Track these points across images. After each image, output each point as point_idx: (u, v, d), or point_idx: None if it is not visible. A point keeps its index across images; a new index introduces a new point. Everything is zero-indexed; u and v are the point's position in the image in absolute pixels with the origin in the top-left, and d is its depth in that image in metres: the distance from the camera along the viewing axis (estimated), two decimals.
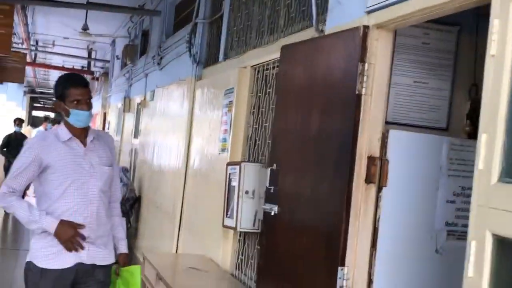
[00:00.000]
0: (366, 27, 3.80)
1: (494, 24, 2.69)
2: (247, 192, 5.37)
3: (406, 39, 4.09)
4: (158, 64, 10.46)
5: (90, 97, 3.92)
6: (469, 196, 4.20)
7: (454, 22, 4.11)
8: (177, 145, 8.43)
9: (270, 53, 5.70)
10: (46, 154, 3.82)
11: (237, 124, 6.16)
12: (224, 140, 6.47)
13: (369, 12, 3.84)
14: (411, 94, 4.09)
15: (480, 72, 4.61)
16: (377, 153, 3.81)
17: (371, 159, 3.80)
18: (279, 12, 5.71)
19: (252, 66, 6.19)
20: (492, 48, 2.70)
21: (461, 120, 4.20)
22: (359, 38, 3.81)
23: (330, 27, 4.33)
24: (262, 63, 5.97)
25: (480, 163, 2.69)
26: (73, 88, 3.83)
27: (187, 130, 7.99)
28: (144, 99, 11.47)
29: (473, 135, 4.18)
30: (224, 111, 6.57)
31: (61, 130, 3.89)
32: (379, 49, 3.81)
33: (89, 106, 3.87)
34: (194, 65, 8.13)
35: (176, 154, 8.45)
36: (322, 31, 4.52)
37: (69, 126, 3.89)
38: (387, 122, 3.93)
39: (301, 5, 5.23)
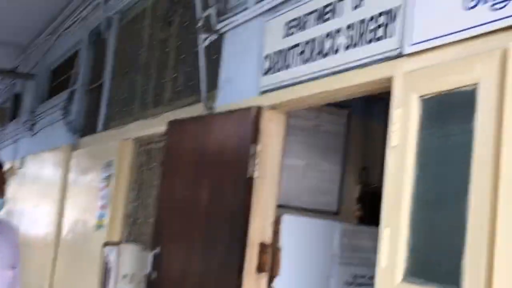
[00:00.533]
0: (259, 108, 3.67)
1: (395, 114, 2.62)
2: (125, 276, 4.97)
3: (298, 120, 4.01)
4: (30, 130, 9.86)
5: (4, 181, 3.11)
6: (361, 285, 4.12)
7: (344, 105, 4.08)
8: (48, 218, 7.83)
9: (154, 126, 5.45)
10: None
11: (117, 200, 5.78)
12: (101, 216, 6.05)
13: (262, 93, 3.73)
14: (302, 177, 3.98)
15: (370, 155, 4.66)
16: (269, 240, 3.62)
17: (263, 247, 3.60)
18: (165, 85, 5.51)
19: (134, 139, 5.90)
20: (393, 139, 2.61)
21: (352, 203, 4.14)
22: (252, 118, 3.67)
23: (221, 104, 4.18)
24: (145, 136, 5.70)
25: (382, 261, 2.57)
26: None
27: (59, 203, 7.46)
28: (13, 166, 10.73)
29: (364, 219, 4.12)
30: (102, 185, 6.17)
31: None
32: (272, 130, 3.69)
33: (2, 193, 3.07)
34: (70, 134, 7.69)
35: (46, 226, 7.84)
36: (211, 108, 4.35)
37: None
38: (278, 206, 3.77)
39: (188, 79, 5.06)
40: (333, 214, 4.03)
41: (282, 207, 3.89)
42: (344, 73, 3.03)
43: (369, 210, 4.08)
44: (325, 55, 3.18)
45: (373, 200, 4.14)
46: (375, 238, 4.00)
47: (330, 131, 4.07)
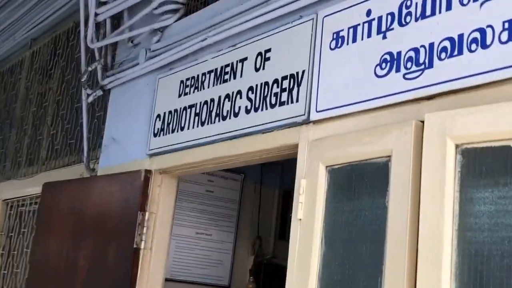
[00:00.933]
0: (148, 172, 3.38)
1: (301, 184, 2.43)
2: None
3: (189, 185, 3.75)
4: None
5: None
6: None
7: (239, 170, 3.88)
8: None
9: (28, 187, 4.99)
10: None
11: None
12: None
13: (152, 155, 3.45)
14: (192, 247, 3.70)
15: (264, 223, 4.46)
16: None
17: None
18: (41, 142, 5.08)
19: (4, 200, 5.37)
20: (299, 211, 2.42)
21: (245, 276, 3.89)
22: (140, 182, 3.37)
23: (105, 166, 3.84)
24: (17, 197, 5.20)
25: None
26: None
27: None
28: None
29: None
30: None
31: None
32: (162, 196, 3.40)
33: None
34: None
35: None
36: (93, 169, 4.00)
37: None
38: (166, 279, 3.45)
39: (68, 137, 4.68)
40: None
41: (170, 281, 3.57)
42: (244, 138, 2.83)
43: (263, 284, 3.85)
44: (224, 118, 2.97)
45: (267, 272, 3.93)
46: None
47: (223, 197, 3.84)
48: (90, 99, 4.03)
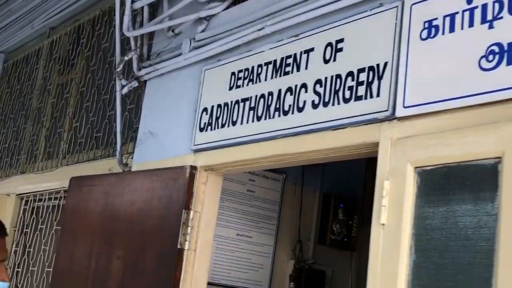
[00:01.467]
0: (193, 168, 3.17)
1: (384, 186, 2.23)
2: None
3: (230, 184, 3.54)
4: None
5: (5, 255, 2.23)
6: None
7: (280, 170, 3.67)
8: None
9: (46, 181, 4.76)
10: None
11: None
12: None
13: (196, 151, 3.24)
14: (233, 249, 3.49)
15: (305, 227, 4.25)
16: None
17: None
18: (62, 135, 4.84)
19: (18, 195, 5.13)
20: (382, 215, 2.22)
21: (284, 281, 3.68)
22: (184, 179, 3.16)
23: (140, 161, 3.62)
24: (33, 192, 4.96)
25: None
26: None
27: None
28: None
29: None
30: None
31: None
32: (207, 194, 3.19)
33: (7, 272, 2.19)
34: None
35: None
36: (127, 164, 3.78)
37: None
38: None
39: (93, 130, 4.45)
40: None
41: (210, 285, 3.36)
42: (310, 135, 2.62)
43: None
44: (286, 112, 2.76)
45: (308, 278, 3.73)
46: None
47: (264, 198, 3.63)
48: (125, 90, 3.81)
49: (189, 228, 3.10)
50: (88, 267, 3.54)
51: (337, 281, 3.90)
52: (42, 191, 4.82)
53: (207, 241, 3.17)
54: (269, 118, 2.84)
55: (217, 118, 3.14)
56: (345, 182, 3.90)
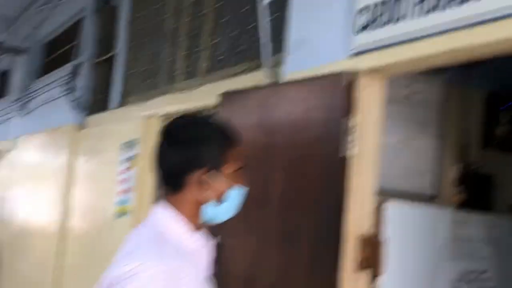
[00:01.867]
0: (353, 73, 3.02)
1: None
2: None
3: (388, 89, 3.35)
4: (22, 109, 9.07)
5: None
6: (471, 281, 3.53)
7: (440, 70, 3.44)
8: (50, 205, 7.10)
9: (188, 101, 4.78)
10: None
11: (144, 183, 5.11)
12: (124, 202, 5.37)
13: (355, 55, 3.08)
14: (395, 156, 3.35)
15: (468, 129, 4.04)
16: (370, 232, 3.00)
17: (363, 240, 2.97)
18: (200, 54, 4.81)
19: (161, 116, 5.21)
20: None
21: (450, 186, 3.52)
22: (343, 85, 3.02)
23: (292, 71, 3.51)
24: (175, 112, 5.00)
25: None
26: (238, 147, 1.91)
27: (65, 189, 6.72)
28: (3, 148, 9.92)
29: (464, 204, 3.52)
30: (122, 168, 5.49)
31: (178, 228, 1.81)
32: (371, 100, 3.05)
33: None
34: (76, 112, 6.94)
35: (48, 215, 7.12)
36: (276, 76, 3.68)
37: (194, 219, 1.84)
38: None
39: (233, 45, 4.37)
40: (430, 199, 3.41)
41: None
42: (497, 22, 2.38)
43: (470, 194, 3.48)
44: (462, 1, 2.53)
45: (474, 182, 3.55)
46: (484, 227, 3.42)
47: (424, 101, 3.44)
48: None
49: (352, 136, 2.99)
50: (247, 179, 3.53)
51: (504, 185, 3.69)
52: (184, 110, 4.85)
53: (372, 147, 3.05)
54: (442, 9, 2.62)
55: (380, 16, 2.94)
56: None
